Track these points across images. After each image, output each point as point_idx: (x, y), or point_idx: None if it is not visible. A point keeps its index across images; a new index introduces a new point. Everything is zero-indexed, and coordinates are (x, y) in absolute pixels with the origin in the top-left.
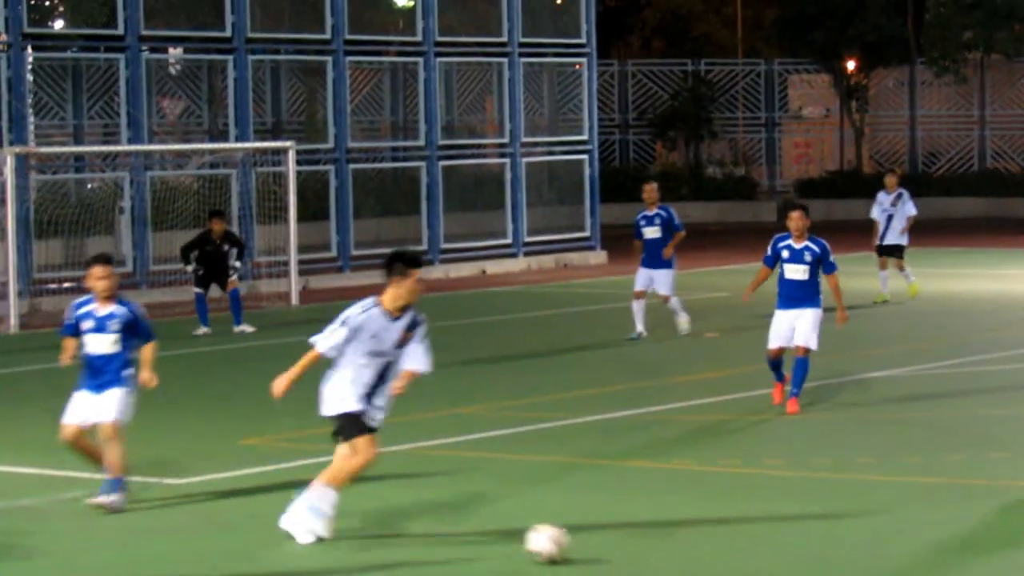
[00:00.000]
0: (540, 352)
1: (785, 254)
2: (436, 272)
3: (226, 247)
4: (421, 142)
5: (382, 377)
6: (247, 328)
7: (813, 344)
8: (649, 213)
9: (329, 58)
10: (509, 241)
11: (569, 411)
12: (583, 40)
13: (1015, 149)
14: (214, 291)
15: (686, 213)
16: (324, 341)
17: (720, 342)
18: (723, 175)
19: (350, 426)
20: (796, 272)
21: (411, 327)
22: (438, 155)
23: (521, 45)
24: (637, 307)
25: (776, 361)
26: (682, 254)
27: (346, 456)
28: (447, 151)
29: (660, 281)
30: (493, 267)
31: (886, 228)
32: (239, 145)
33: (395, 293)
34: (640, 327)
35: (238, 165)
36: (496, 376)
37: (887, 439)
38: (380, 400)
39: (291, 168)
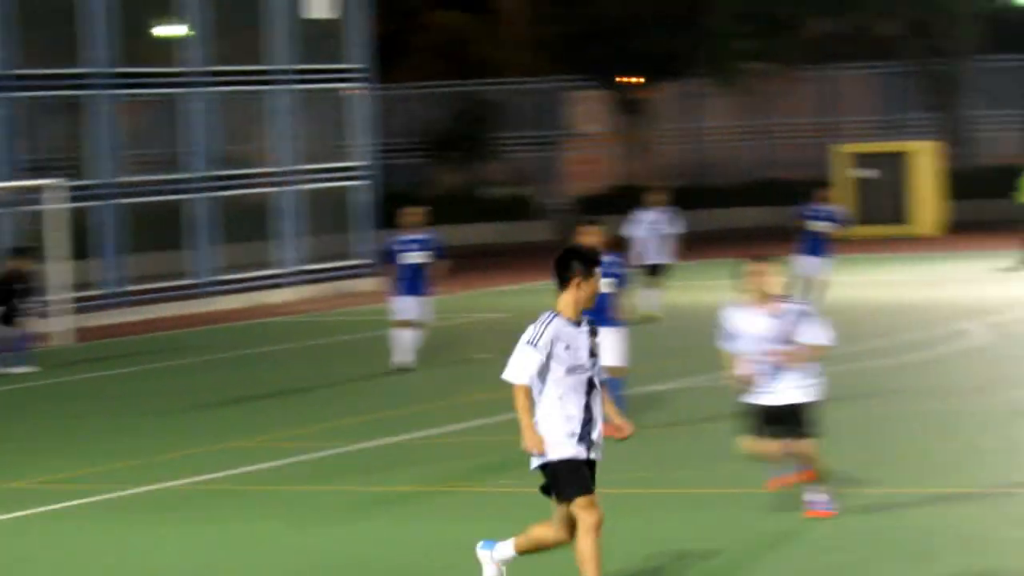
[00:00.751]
0: (311, 382)
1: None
2: (207, 304)
3: (18, 286)
4: (189, 174)
5: (589, 404)
6: (26, 369)
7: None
8: (409, 238)
9: (94, 92)
10: (281, 271)
11: (342, 439)
12: (359, 65)
13: (798, 158)
14: None
15: (464, 235)
16: (519, 371)
17: (495, 363)
18: (502, 195)
19: (568, 480)
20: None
21: (593, 332)
22: (207, 186)
23: (295, 72)
24: (402, 336)
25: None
26: (459, 276)
27: (547, 526)
28: (216, 182)
29: (417, 308)
30: (266, 297)
31: (651, 246)
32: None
33: (576, 297)
34: (403, 357)
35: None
36: (267, 408)
37: (658, 453)
38: (597, 435)
39: (57, 205)
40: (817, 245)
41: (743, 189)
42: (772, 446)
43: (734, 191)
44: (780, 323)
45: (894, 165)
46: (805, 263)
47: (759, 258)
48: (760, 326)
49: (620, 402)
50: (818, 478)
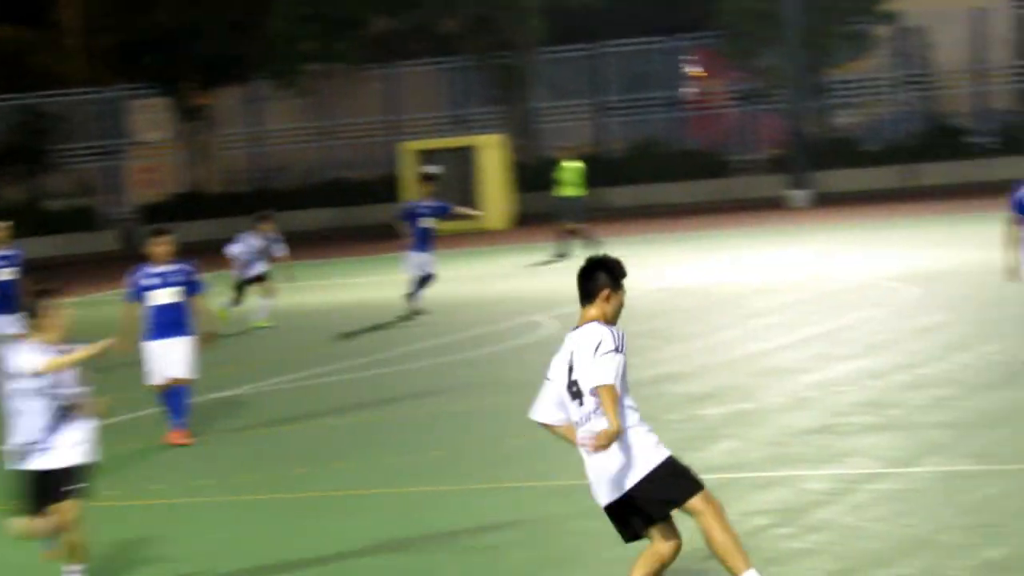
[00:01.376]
0: None
1: (152, 281)
2: None
3: None
4: None
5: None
6: None
7: (192, 374)
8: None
9: None
10: None
11: None
12: None
13: (362, 157)
14: None
15: (28, 249)
16: (612, 374)
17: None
18: (65, 207)
19: (679, 480)
20: (165, 297)
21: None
22: None
23: None
24: None
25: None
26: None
27: (648, 556)
28: None
29: (12, 326)
30: None
31: (253, 262)
32: None
33: (605, 310)
34: None
35: None
36: None
37: (225, 460)
38: None
39: None
40: (425, 240)
41: (311, 191)
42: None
43: (302, 193)
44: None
45: (462, 160)
46: (419, 259)
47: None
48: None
49: (184, 411)
50: (74, 552)
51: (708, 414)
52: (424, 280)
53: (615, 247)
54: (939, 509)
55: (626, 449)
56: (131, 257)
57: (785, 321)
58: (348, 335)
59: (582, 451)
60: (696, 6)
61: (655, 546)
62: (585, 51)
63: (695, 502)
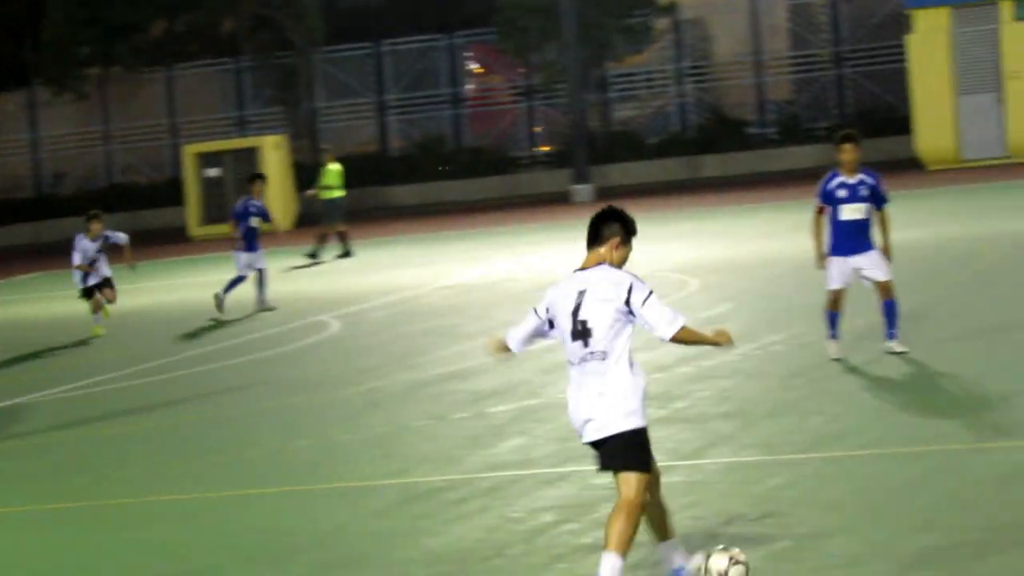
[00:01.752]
0: None
1: None
2: None
3: None
4: None
5: None
6: None
7: None
8: None
9: None
10: None
11: None
12: None
13: (145, 161)
14: None
15: None
16: (674, 314)
17: None
18: None
19: (645, 447)
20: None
21: None
22: None
23: None
24: None
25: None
26: None
27: (629, 501)
28: None
29: None
30: None
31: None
32: None
33: (612, 256)
34: None
35: None
36: None
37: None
38: None
39: None
40: (253, 239)
41: (94, 196)
42: None
43: (85, 198)
44: None
45: (245, 161)
46: (248, 258)
47: None
48: None
49: None
50: None
51: (495, 411)
52: (259, 276)
53: (401, 246)
54: (727, 500)
55: (616, 402)
56: None
57: None
58: (138, 340)
59: (580, 391)
60: (474, 3)
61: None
62: (365, 50)
63: (637, 479)
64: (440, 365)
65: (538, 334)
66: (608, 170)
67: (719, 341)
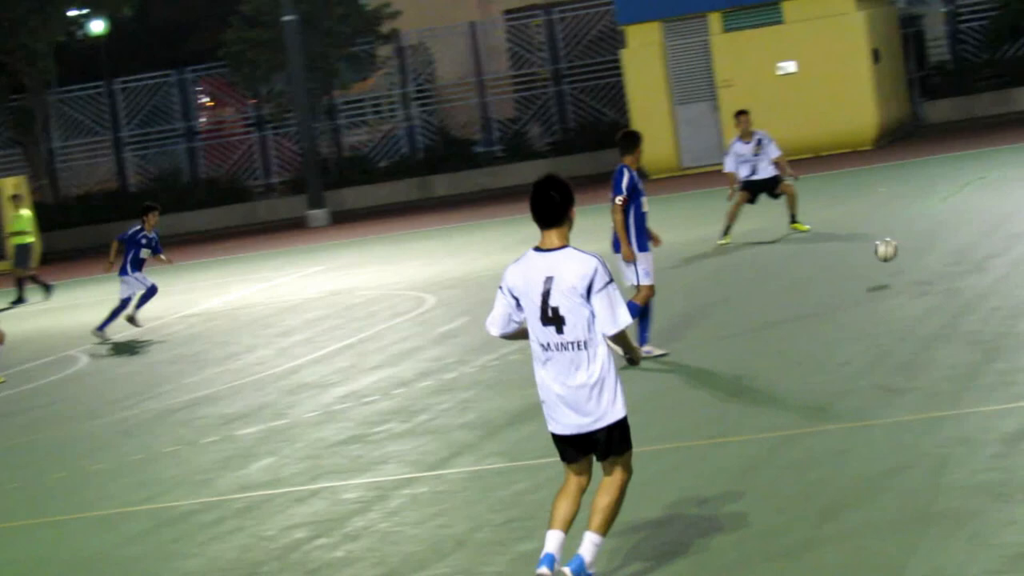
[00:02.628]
0: None
1: None
2: None
3: None
4: None
5: None
6: None
7: None
8: None
9: None
10: None
11: None
12: None
13: None
14: None
15: None
16: (628, 314)
17: None
18: None
19: (627, 438)
20: None
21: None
22: None
23: None
24: None
25: None
26: None
27: (624, 478)
28: None
29: None
30: None
31: None
32: None
33: (569, 229)
34: None
35: None
36: None
37: None
38: None
39: None
40: (139, 267)
41: None
42: None
43: None
44: None
45: None
46: (133, 280)
47: None
48: None
49: None
50: None
51: (243, 434)
52: (147, 295)
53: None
54: (473, 508)
55: (603, 393)
56: None
57: (312, 337)
58: None
59: (556, 384)
60: (200, 38)
61: (579, 480)
62: (99, 88)
63: (628, 455)
64: (186, 392)
65: (511, 314)
66: (342, 194)
67: (637, 357)
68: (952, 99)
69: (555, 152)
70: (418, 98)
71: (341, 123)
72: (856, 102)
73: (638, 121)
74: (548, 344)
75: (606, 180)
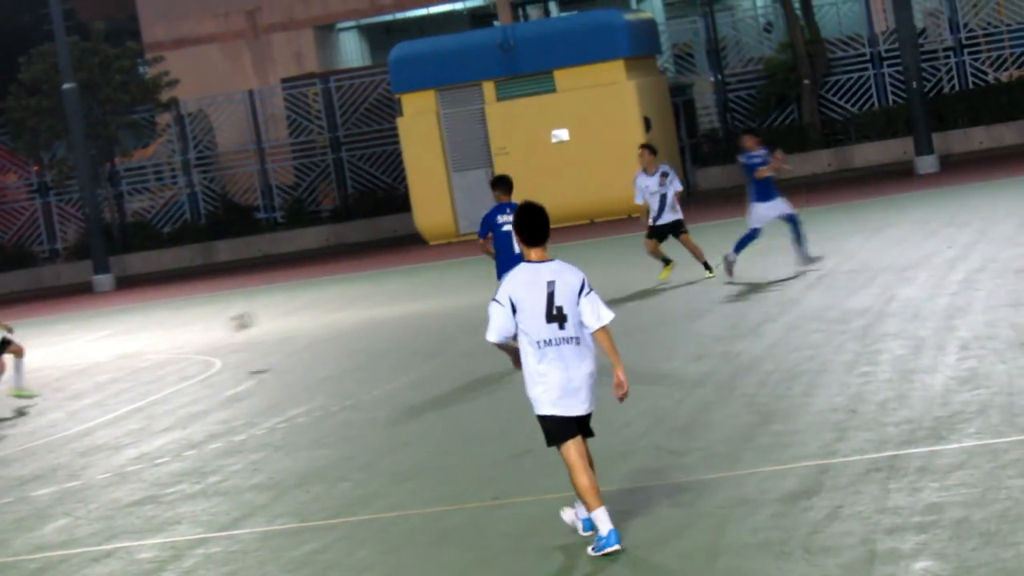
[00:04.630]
0: None
1: None
2: None
3: None
4: None
5: None
6: None
7: None
8: None
9: None
10: None
11: None
12: None
13: None
14: None
15: None
16: (608, 315)
17: None
18: None
19: None
20: None
21: None
22: None
23: None
24: None
25: None
26: None
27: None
28: None
29: None
30: None
31: None
32: None
33: None
34: None
35: None
36: None
37: None
38: None
39: None
40: None
41: None
42: None
43: None
44: None
45: None
46: None
47: None
48: None
49: None
50: None
51: (37, 495)
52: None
53: None
54: (265, 568)
55: (592, 385)
56: None
57: (102, 400)
58: None
59: (563, 374)
60: None
61: (582, 446)
62: None
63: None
64: None
65: (509, 321)
66: (127, 260)
67: (619, 375)
68: (722, 166)
69: (334, 219)
70: (199, 165)
71: (124, 189)
72: (628, 169)
73: (416, 188)
74: (550, 340)
75: (384, 246)
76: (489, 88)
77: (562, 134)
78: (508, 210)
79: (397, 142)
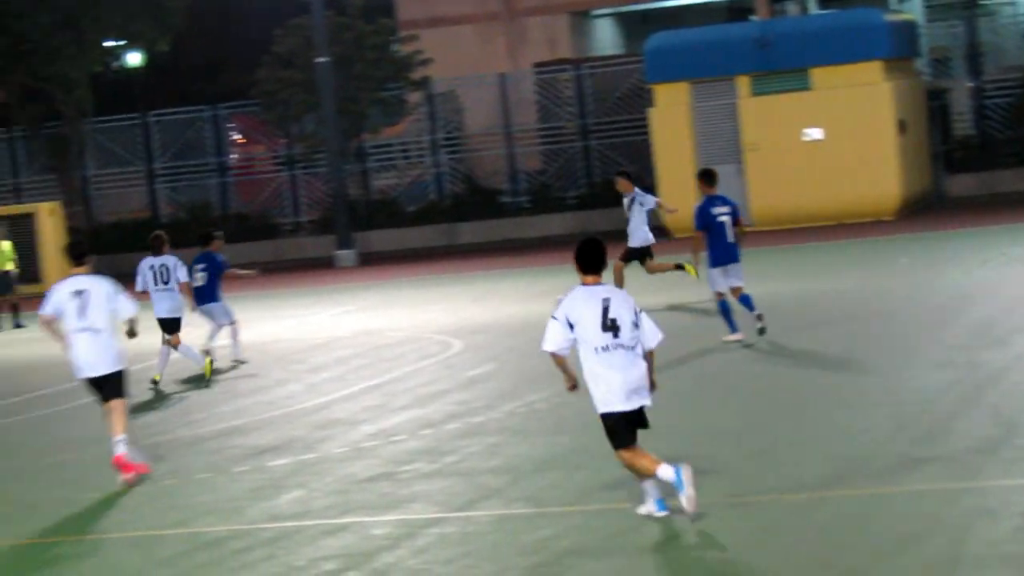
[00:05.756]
0: None
1: None
2: None
3: None
4: None
5: None
6: None
7: None
8: None
9: None
10: None
11: None
12: None
13: None
14: None
15: None
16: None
17: None
18: None
19: None
20: None
21: None
22: None
23: None
24: None
25: None
26: None
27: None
28: None
29: None
30: None
31: None
32: None
33: None
34: None
35: None
36: None
37: None
38: None
39: None
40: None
41: None
42: None
43: None
44: None
45: (22, 227)
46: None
47: None
48: None
49: None
50: None
51: (273, 465)
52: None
53: None
54: (498, 551)
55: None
56: None
57: (341, 375)
58: None
59: (620, 374)
60: (235, 76)
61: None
62: (134, 120)
63: None
64: (218, 421)
65: (566, 335)
66: (369, 236)
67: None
68: (975, 174)
69: (580, 206)
70: (446, 146)
71: (370, 166)
72: (880, 172)
73: (664, 180)
74: (607, 346)
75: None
76: (743, 83)
77: (815, 133)
78: (718, 202)
79: (644, 132)
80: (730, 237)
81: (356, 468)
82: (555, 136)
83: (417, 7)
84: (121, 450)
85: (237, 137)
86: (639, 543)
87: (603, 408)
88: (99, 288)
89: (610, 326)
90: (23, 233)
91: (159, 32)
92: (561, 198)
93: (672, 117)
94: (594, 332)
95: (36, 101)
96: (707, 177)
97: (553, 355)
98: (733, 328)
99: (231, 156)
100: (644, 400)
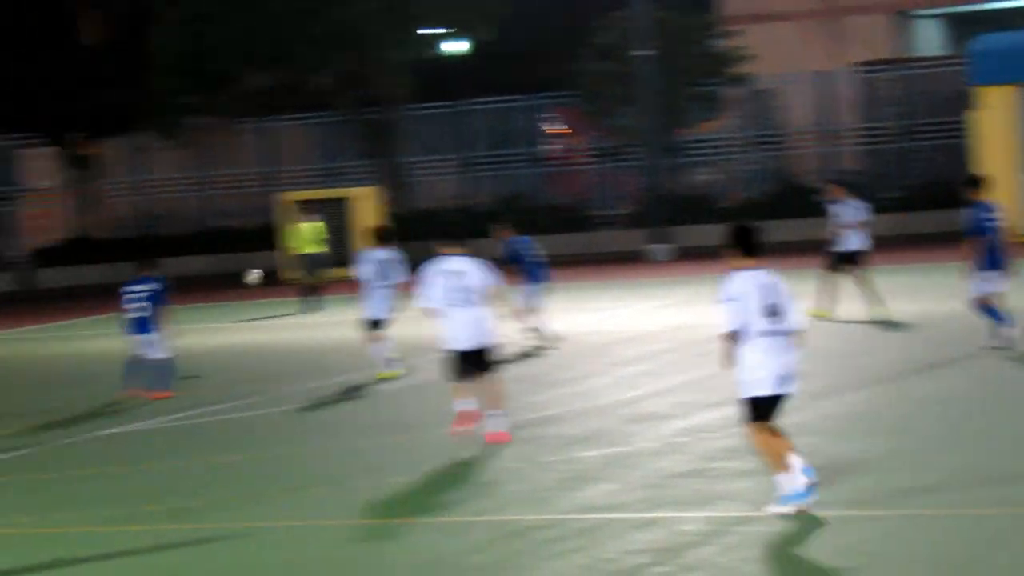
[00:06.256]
0: None
1: None
2: None
3: None
4: None
5: None
6: None
7: None
8: None
9: None
10: None
11: None
12: None
13: (245, 207)
14: None
15: None
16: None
17: None
18: None
19: None
20: None
21: None
22: None
23: None
24: None
25: None
26: None
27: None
28: None
29: None
30: None
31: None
32: None
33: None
34: None
35: None
36: None
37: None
38: None
39: None
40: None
41: (190, 238)
42: None
43: (182, 240)
44: None
45: (337, 211)
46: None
47: None
48: None
49: None
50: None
51: (585, 456)
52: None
53: None
54: (810, 552)
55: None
56: (28, 298)
57: (652, 369)
58: (233, 376)
59: (775, 360)
60: (555, 66)
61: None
62: (451, 108)
63: None
64: (530, 410)
65: (737, 315)
66: (682, 231)
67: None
68: None
69: (898, 207)
70: (764, 142)
71: (686, 161)
72: None
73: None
74: (767, 331)
75: (947, 239)
76: None
77: None
78: (989, 208)
79: (961, 135)
80: (999, 243)
81: (667, 463)
82: (875, 136)
83: (741, 2)
84: (501, 426)
85: (550, 128)
86: (948, 554)
87: (754, 391)
88: (474, 269)
89: (771, 311)
90: (335, 217)
91: (483, 20)
92: (879, 199)
93: (995, 121)
94: (757, 315)
95: (357, 87)
96: (975, 183)
97: (727, 336)
98: (1004, 322)
99: (545, 147)
100: (792, 387)
